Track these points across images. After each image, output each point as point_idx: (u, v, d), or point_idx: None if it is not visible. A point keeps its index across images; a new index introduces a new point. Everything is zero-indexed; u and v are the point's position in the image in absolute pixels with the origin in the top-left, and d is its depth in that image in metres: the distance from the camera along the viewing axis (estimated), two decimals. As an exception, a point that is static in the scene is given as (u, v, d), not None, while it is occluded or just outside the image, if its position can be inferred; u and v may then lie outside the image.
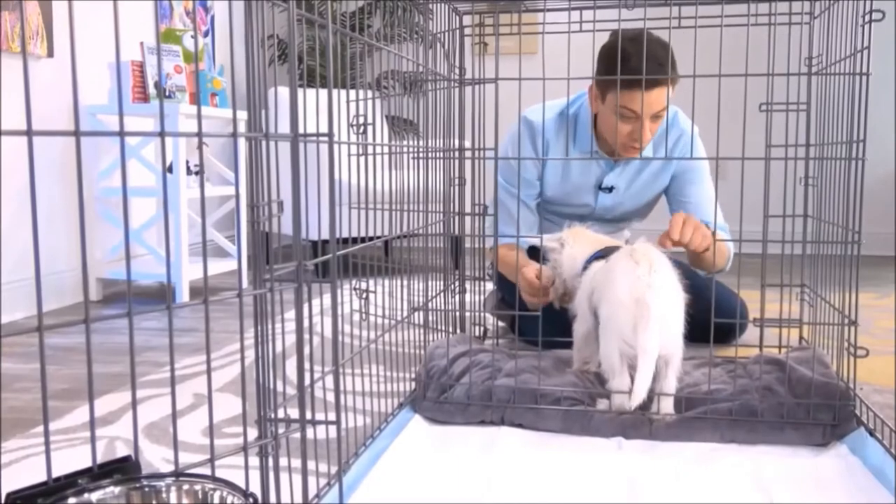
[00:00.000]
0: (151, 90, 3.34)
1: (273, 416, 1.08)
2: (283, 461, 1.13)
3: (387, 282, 1.99)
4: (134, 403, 0.93)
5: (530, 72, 1.83)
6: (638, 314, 1.63)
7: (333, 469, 1.39)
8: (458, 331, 2.29)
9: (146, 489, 0.91)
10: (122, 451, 1.67)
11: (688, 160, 2.36)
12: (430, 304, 2.08)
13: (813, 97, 1.88)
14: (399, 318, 1.89)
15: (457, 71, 2.17)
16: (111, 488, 0.89)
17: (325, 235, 3.68)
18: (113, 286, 3.57)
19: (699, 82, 1.69)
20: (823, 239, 1.83)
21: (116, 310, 3.22)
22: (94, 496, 0.88)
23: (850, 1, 1.67)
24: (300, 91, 1.09)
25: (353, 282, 1.84)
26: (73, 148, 3.25)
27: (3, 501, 0.83)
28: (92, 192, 3.35)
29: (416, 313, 2.01)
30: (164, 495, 0.92)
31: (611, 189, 2.39)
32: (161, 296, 3.55)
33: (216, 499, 0.92)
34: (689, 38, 1.66)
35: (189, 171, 3.58)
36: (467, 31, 2.17)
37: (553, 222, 2.49)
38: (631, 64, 1.94)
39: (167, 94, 3.35)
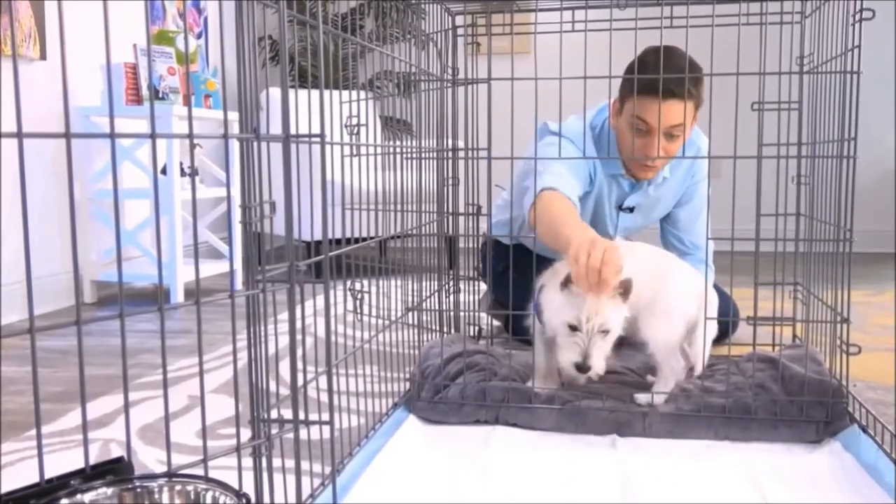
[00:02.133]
0: (145, 92, 3.34)
1: (266, 416, 1.08)
2: (276, 462, 1.13)
3: (381, 282, 1.99)
4: (126, 405, 0.93)
5: (523, 71, 1.84)
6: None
7: (327, 469, 1.39)
8: (453, 331, 2.29)
9: (138, 490, 0.92)
10: (116, 452, 1.67)
11: (699, 176, 2.35)
12: (424, 305, 2.09)
13: (805, 96, 1.89)
14: (393, 318, 1.89)
15: (450, 71, 2.18)
16: (103, 489, 0.89)
17: (319, 236, 3.67)
18: (108, 288, 3.56)
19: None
20: (816, 237, 1.84)
21: (110, 312, 3.22)
22: (87, 497, 0.88)
23: (840, 0, 1.67)
24: (293, 92, 1.10)
25: (348, 282, 1.84)
26: (66, 149, 3.24)
27: (-5, 503, 0.83)
28: (86, 193, 3.35)
29: (410, 313, 2.01)
30: (156, 496, 0.92)
31: (632, 209, 2.37)
32: (155, 297, 3.54)
33: (208, 499, 0.92)
34: (681, 38, 1.67)
35: (183, 173, 3.57)
36: (460, 31, 2.17)
37: None
38: (648, 71, 1.89)
39: (161, 95, 3.35)
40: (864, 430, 1.60)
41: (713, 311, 1.83)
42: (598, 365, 1.63)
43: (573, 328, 1.63)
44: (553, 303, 1.70)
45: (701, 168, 2.35)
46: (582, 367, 1.62)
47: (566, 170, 2.09)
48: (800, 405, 1.66)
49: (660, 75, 1.78)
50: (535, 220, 1.95)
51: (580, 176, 2.17)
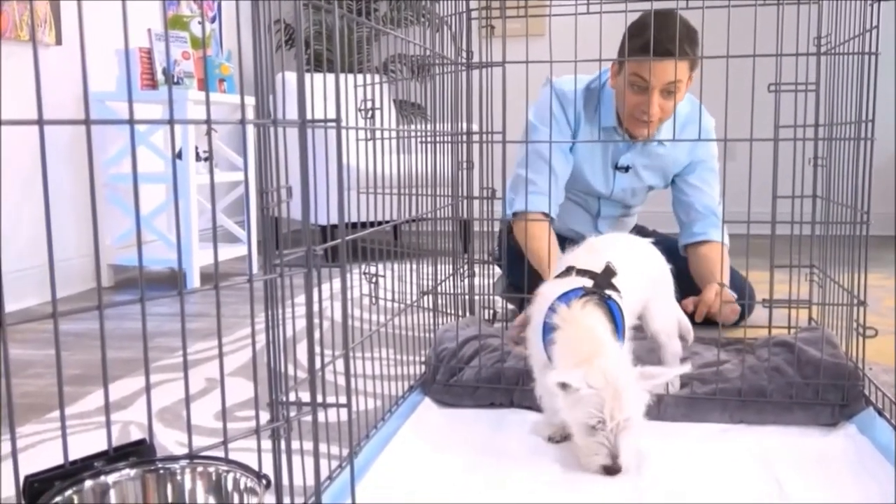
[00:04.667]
0: (159, 77, 3.34)
1: (285, 399, 1.09)
2: (294, 444, 1.14)
3: (396, 266, 2.00)
4: (147, 387, 0.94)
5: (537, 54, 1.83)
6: None
7: (345, 451, 1.40)
8: (468, 314, 2.30)
9: (161, 471, 0.93)
10: (135, 435, 1.69)
11: (703, 154, 2.35)
12: (439, 288, 2.09)
13: (822, 77, 1.87)
14: (409, 301, 1.90)
15: (464, 54, 2.17)
16: (127, 470, 0.90)
17: (334, 220, 3.68)
18: (123, 272, 3.59)
19: (707, 63, 1.69)
20: (832, 219, 1.83)
21: (127, 296, 3.24)
22: (111, 478, 0.89)
23: (858, -20, 1.66)
24: (307, 76, 1.10)
25: (363, 266, 1.85)
26: (81, 135, 3.26)
27: (21, 484, 0.84)
28: (100, 178, 3.36)
29: (425, 297, 2.02)
30: (178, 477, 0.93)
31: (627, 169, 2.38)
32: (171, 282, 3.57)
33: (230, 480, 0.93)
34: (697, 19, 1.66)
35: (198, 158, 3.59)
36: (474, 13, 2.17)
37: (573, 201, 2.47)
38: (647, 33, 1.92)
39: (176, 80, 3.35)
40: (881, 413, 1.60)
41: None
42: (630, 460, 1.42)
43: (593, 427, 1.40)
44: (558, 398, 1.46)
45: (706, 149, 2.35)
46: (613, 470, 1.40)
47: (548, 170, 2.20)
48: (815, 388, 1.66)
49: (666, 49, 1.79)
50: (520, 237, 2.21)
51: (564, 158, 2.31)
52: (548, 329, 1.52)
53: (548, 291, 1.60)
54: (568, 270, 1.65)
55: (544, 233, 2.14)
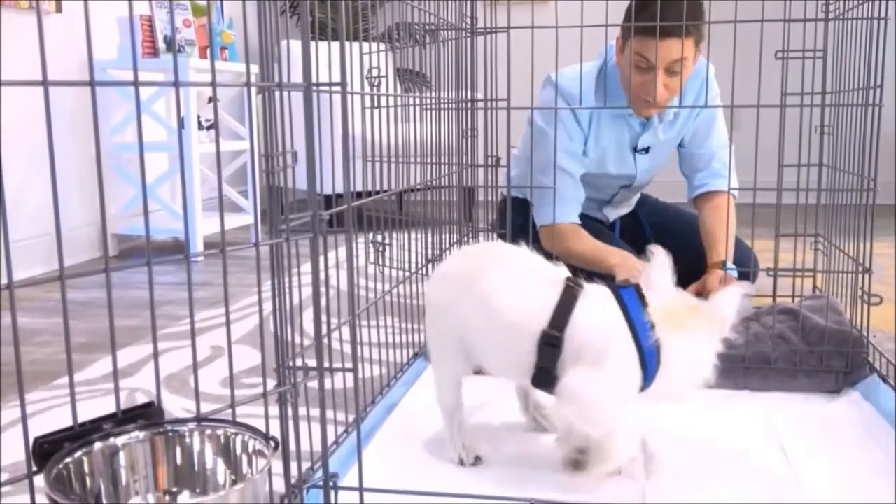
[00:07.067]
0: (161, 45, 3.32)
1: (292, 363, 1.09)
2: (301, 411, 1.15)
3: (401, 234, 2.00)
4: (155, 351, 0.94)
5: (542, 22, 1.81)
6: None
7: (350, 417, 1.41)
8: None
9: (170, 434, 0.93)
10: (141, 401, 1.69)
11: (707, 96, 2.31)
12: (443, 256, 2.09)
13: (830, 43, 1.85)
14: (413, 269, 1.89)
15: (468, 20, 2.15)
16: (136, 433, 0.91)
17: (339, 189, 3.68)
18: (127, 241, 3.59)
19: (714, 29, 1.67)
20: (838, 187, 1.83)
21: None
22: (120, 440, 0.90)
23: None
24: (312, 44, 1.09)
25: (368, 235, 1.85)
26: (85, 103, 3.24)
27: (31, 445, 0.84)
28: (104, 147, 3.35)
29: (429, 265, 2.02)
30: (187, 439, 0.94)
31: (647, 150, 2.34)
32: (174, 251, 3.57)
33: (238, 443, 0.94)
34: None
35: (201, 126, 3.57)
36: (479, -21, 2.14)
37: (592, 199, 2.43)
38: (650, 11, 1.85)
39: (177, 48, 3.33)
40: (885, 379, 1.60)
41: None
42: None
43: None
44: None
45: (709, 92, 2.30)
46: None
47: (567, 177, 2.18)
48: (819, 355, 1.66)
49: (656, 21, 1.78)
50: (552, 247, 2.10)
51: (577, 161, 2.23)
52: None
53: None
54: None
55: (581, 233, 2.17)
